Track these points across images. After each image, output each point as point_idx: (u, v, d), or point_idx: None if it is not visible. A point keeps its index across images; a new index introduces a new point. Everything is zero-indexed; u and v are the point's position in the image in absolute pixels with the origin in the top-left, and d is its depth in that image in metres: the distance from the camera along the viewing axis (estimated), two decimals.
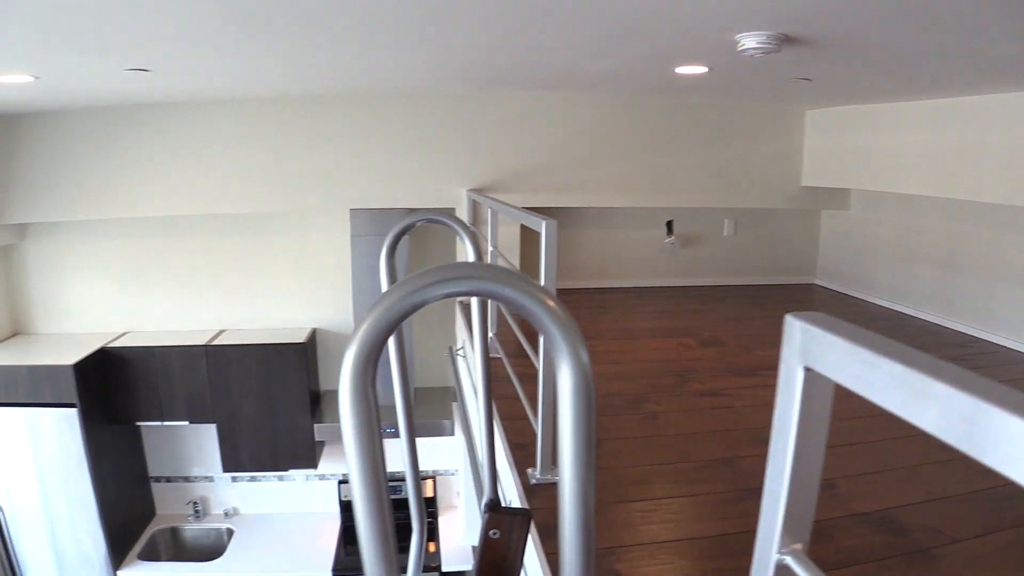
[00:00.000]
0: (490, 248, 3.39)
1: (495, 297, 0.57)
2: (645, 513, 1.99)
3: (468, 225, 1.47)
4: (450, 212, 2.68)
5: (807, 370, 0.54)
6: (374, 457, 0.59)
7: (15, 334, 4.98)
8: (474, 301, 1.53)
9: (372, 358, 0.56)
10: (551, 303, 0.56)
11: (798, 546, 0.61)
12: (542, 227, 1.96)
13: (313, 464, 4.70)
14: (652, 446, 2.46)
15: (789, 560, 0.60)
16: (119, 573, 4.60)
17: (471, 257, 1.49)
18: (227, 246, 4.82)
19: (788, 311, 0.55)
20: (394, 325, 0.56)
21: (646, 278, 5.06)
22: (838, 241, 5.17)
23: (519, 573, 1.09)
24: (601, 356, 3.47)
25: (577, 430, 0.57)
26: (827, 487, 1.97)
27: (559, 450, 0.59)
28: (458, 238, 1.50)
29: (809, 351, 0.53)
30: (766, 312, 4.49)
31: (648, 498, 2.07)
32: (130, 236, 4.85)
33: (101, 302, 4.95)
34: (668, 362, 3.47)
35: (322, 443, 4.90)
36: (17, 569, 4.66)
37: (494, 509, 1.51)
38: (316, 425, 4.47)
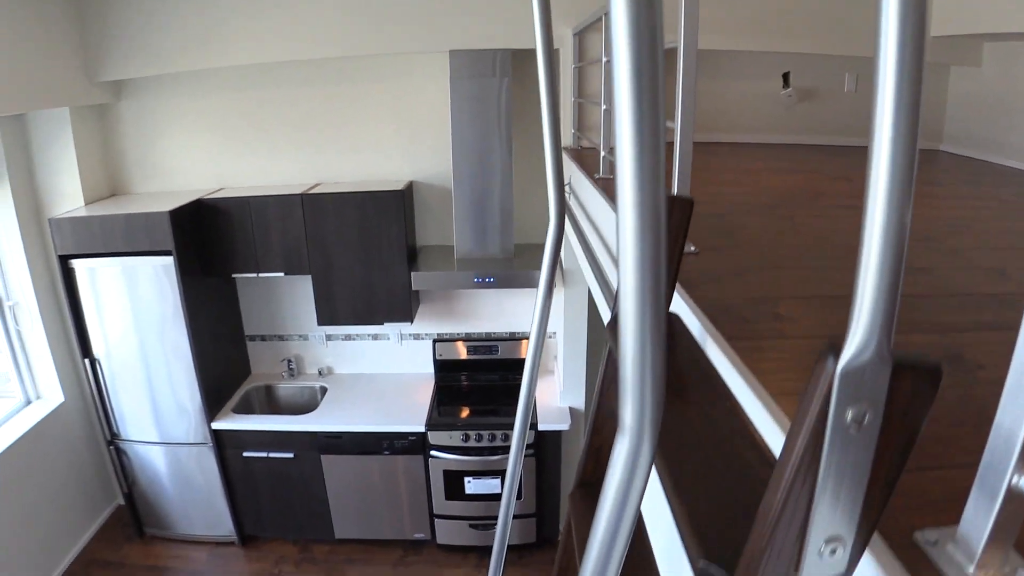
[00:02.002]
0: (603, 105, 3.18)
1: None
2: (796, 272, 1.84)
3: None
4: None
5: None
6: None
7: (112, 195, 5.01)
8: None
9: None
10: None
11: None
12: None
13: (409, 318, 4.67)
14: (795, 233, 2.31)
15: None
16: (214, 424, 4.64)
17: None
18: (322, 97, 4.72)
19: None
20: None
21: (757, 133, 4.85)
22: (968, 102, 4.89)
23: None
24: (721, 182, 3.29)
25: None
26: None
27: None
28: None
29: None
30: None
31: (796, 267, 1.90)
32: (225, 90, 4.79)
33: (196, 160, 4.95)
34: (797, 187, 3.30)
35: (418, 295, 4.86)
36: (113, 419, 4.75)
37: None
38: (413, 274, 4.39)
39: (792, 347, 1.28)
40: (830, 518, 0.57)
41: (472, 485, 4.60)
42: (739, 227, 2.31)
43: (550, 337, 4.92)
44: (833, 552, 0.58)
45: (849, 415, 0.53)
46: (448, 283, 4.44)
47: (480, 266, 4.38)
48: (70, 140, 4.68)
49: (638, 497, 0.59)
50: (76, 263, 4.49)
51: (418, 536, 4.89)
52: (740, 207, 2.70)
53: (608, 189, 2.61)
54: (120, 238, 4.39)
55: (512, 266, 4.38)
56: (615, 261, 1.28)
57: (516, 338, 5.00)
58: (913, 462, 0.56)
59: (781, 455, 0.58)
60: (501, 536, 1.88)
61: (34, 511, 4.67)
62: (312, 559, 4.92)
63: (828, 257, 1.96)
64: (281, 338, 5.24)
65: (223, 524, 5.01)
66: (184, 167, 4.93)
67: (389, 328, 5.08)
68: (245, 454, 4.75)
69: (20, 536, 4.54)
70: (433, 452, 4.55)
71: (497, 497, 4.64)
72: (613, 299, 1.50)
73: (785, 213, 2.64)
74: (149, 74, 4.53)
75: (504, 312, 5.00)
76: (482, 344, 4.98)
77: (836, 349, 0.53)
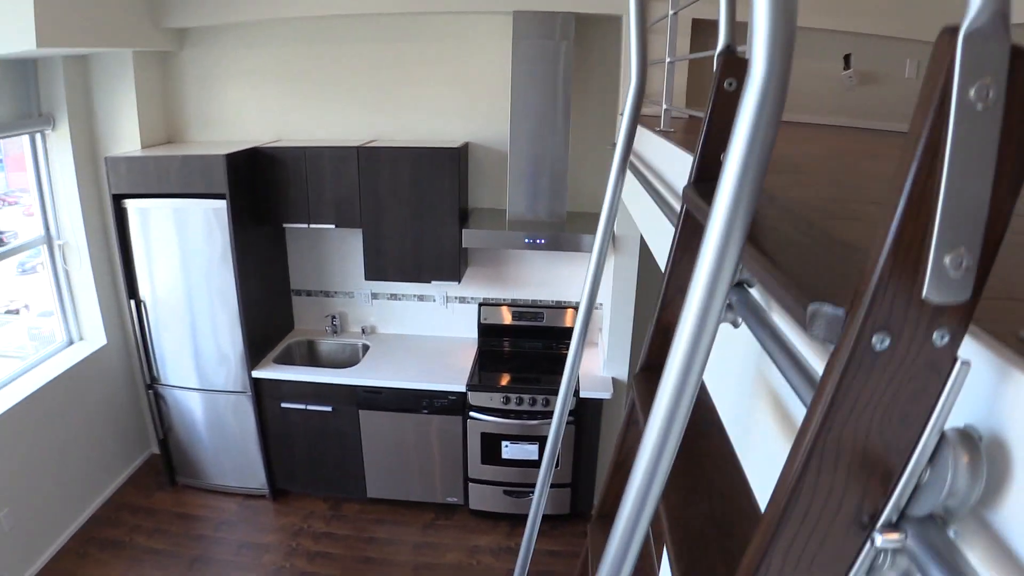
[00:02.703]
0: (667, 59, 3.17)
1: None
2: None
3: None
4: None
5: None
6: None
7: (168, 141, 5.10)
8: None
9: None
10: None
11: None
12: None
13: (456, 277, 4.68)
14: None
15: None
16: (255, 372, 4.67)
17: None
18: (382, 55, 4.76)
19: None
20: None
21: (814, 114, 4.85)
22: None
23: None
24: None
25: None
26: None
27: None
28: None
29: None
30: None
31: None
32: (285, 44, 4.86)
33: (253, 111, 5.02)
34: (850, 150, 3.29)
35: (466, 257, 4.88)
36: (154, 363, 4.79)
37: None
38: (464, 231, 4.41)
39: None
40: (956, 220, 0.54)
41: (509, 450, 4.59)
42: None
43: (596, 308, 4.91)
44: (958, 266, 0.54)
45: (973, 91, 0.51)
46: (499, 242, 4.44)
47: (532, 228, 4.39)
48: (132, 85, 4.75)
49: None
50: (129, 203, 4.55)
51: (451, 500, 4.87)
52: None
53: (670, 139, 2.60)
54: (175, 179, 4.45)
55: (564, 230, 4.38)
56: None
57: (562, 306, 4.99)
58: None
59: (908, 138, 0.55)
60: (538, 501, 1.85)
61: (68, 451, 4.73)
62: (342, 516, 4.93)
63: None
64: (326, 294, 5.28)
65: (255, 476, 5.02)
66: (241, 118, 4.99)
67: (435, 290, 5.10)
68: (283, 405, 4.77)
69: (53, 474, 4.60)
70: (472, 413, 4.55)
71: (533, 464, 4.63)
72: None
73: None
74: (213, 23, 4.61)
75: (551, 280, 5.00)
76: (528, 310, 4.98)
77: (955, 26, 0.51)
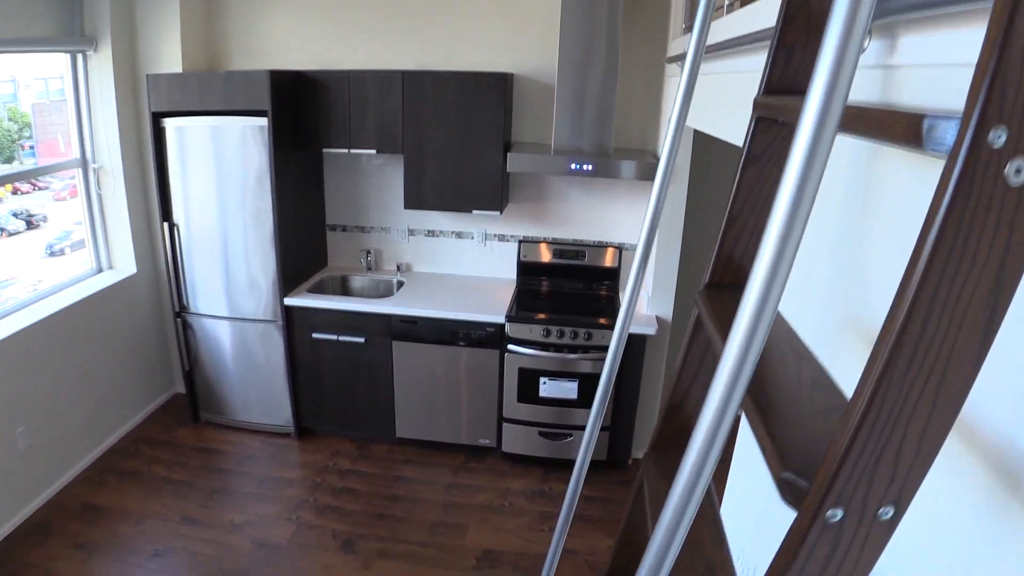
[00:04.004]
0: None
1: None
2: None
3: None
4: None
5: None
6: None
7: (210, 69, 5.07)
8: None
9: None
10: None
11: None
12: None
13: (498, 206, 4.59)
14: None
15: None
16: (287, 300, 4.59)
17: None
18: None
19: None
20: None
21: None
22: None
23: None
24: None
25: None
26: None
27: None
28: None
29: None
30: None
31: None
32: None
33: (295, 42, 5.01)
34: None
35: (508, 192, 4.80)
36: (184, 284, 4.74)
37: None
38: (509, 155, 4.33)
39: None
40: None
41: (547, 387, 4.46)
42: None
43: (628, 250, 4.81)
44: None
45: None
46: (543, 166, 4.35)
47: (578, 155, 4.31)
48: (176, 10, 4.78)
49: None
50: (167, 122, 4.54)
51: (483, 442, 4.74)
52: None
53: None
54: (217, 96, 4.43)
55: (610, 158, 4.29)
56: None
57: (603, 246, 4.88)
58: None
59: None
60: (588, 442, 1.73)
61: (90, 379, 4.68)
62: (369, 456, 4.81)
63: None
64: (362, 229, 5.21)
65: (281, 413, 4.93)
66: (283, 49, 4.98)
67: (474, 226, 5.02)
68: (314, 335, 4.68)
69: (72, 401, 4.55)
70: (510, 346, 4.43)
71: (571, 403, 4.50)
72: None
73: None
74: None
75: (593, 220, 4.91)
76: (568, 248, 4.87)
77: None
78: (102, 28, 4.69)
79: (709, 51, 2.63)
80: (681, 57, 3.61)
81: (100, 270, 5.03)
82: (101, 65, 4.75)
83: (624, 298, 1.61)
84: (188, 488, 4.48)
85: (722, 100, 2.63)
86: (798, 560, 0.73)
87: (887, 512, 0.71)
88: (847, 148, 1.25)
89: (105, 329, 4.80)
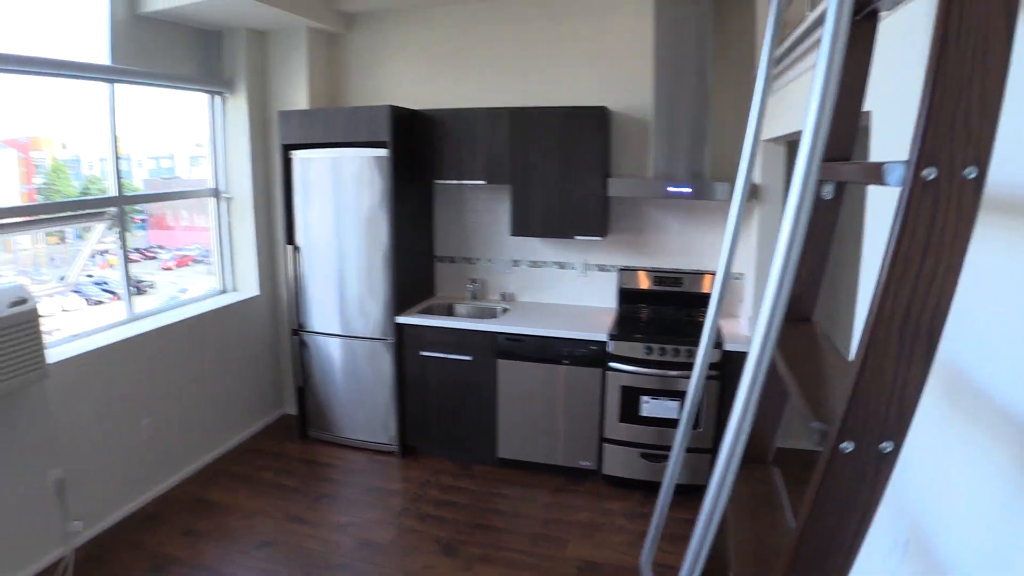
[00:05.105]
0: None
1: None
2: None
3: None
4: None
5: None
6: None
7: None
8: None
9: None
10: None
11: None
12: None
13: (601, 232, 4.86)
14: None
15: None
16: (398, 318, 4.91)
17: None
18: (526, 34, 5.22)
19: None
20: None
21: None
22: None
23: None
24: None
25: None
26: None
27: None
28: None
29: None
30: None
31: None
32: (438, 27, 5.42)
33: (409, 86, 5.54)
34: None
35: (608, 224, 5.06)
36: (301, 303, 5.12)
37: None
38: (609, 180, 4.63)
39: None
40: None
41: (648, 406, 4.58)
42: None
43: (736, 279, 4.95)
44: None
45: None
46: (642, 190, 4.62)
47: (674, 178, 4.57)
48: (304, 59, 5.36)
49: None
50: (294, 154, 4.98)
51: (583, 464, 4.85)
52: None
53: None
54: (341, 128, 4.92)
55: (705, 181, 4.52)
56: None
57: (700, 273, 5.05)
58: None
59: None
60: (675, 461, 1.89)
61: (208, 388, 5.11)
62: (470, 475, 4.99)
63: None
64: (468, 260, 5.54)
65: (385, 431, 5.20)
66: (398, 92, 5.50)
67: (576, 256, 5.29)
68: (422, 353, 4.96)
69: (193, 406, 4.97)
70: (612, 364, 4.60)
71: (673, 424, 4.58)
72: None
73: None
74: (378, 7, 5.33)
75: (690, 248, 5.11)
76: (667, 276, 5.06)
77: None
78: (238, 73, 5.28)
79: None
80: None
81: (224, 291, 5.45)
82: (236, 105, 5.32)
83: (707, 318, 1.71)
84: (294, 492, 4.74)
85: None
86: (825, 485, 1.02)
87: (888, 447, 0.98)
88: None
89: (226, 344, 5.23)
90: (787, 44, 2.90)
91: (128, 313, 4.61)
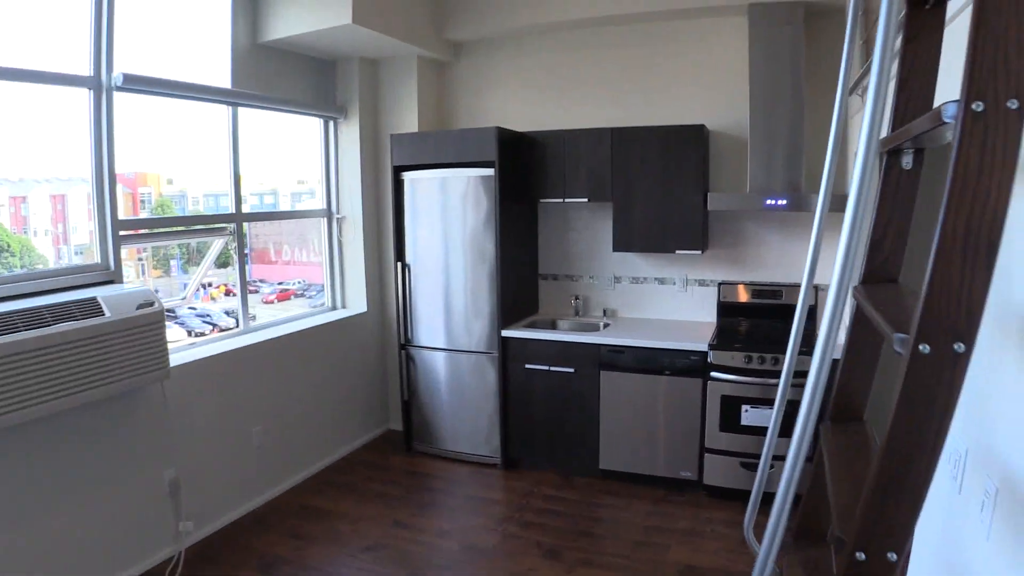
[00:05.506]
0: None
1: None
2: None
3: None
4: None
5: None
6: None
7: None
8: None
9: None
10: None
11: None
12: None
13: (701, 246, 4.98)
14: None
15: None
16: (504, 332, 5.13)
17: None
18: (626, 57, 5.45)
19: None
20: None
21: None
22: None
23: None
24: None
25: None
26: None
27: None
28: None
29: None
30: None
31: None
32: (540, 53, 5.73)
33: (513, 109, 5.83)
34: None
35: (707, 240, 5.19)
36: (409, 318, 5.42)
37: None
38: (709, 194, 4.79)
39: None
40: None
41: (749, 415, 4.64)
42: None
43: (823, 290, 4.96)
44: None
45: None
46: (741, 203, 4.76)
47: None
48: (414, 85, 5.70)
49: None
50: (405, 175, 5.28)
51: (684, 475, 4.91)
52: None
53: None
54: (449, 150, 5.22)
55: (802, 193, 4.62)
56: None
57: (799, 286, 5.09)
58: None
59: None
60: (762, 469, 2.05)
61: (317, 402, 5.38)
62: (572, 486, 5.10)
63: None
64: (571, 278, 5.75)
65: (487, 444, 5.41)
66: (502, 115, 5.80)
67: (676, 272, 5.43)
68: (527, 366, 5.16)
69: (301, 418, 5.23)
70: (713, 373, 4.68)
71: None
72: None
73: None
74: (483, 35, 5.70)
75: (788, 261, 5.20)
76: (766, 289, 5.13)
77: None
78: (351, 100, 5.64)
79: None
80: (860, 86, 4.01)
81: (334, 308, 5.73)
82: (348, 130, 5.69)
83: (822, 326, 1.65)
84: (399, 501, 4.95)
85: None
86: (907, 387, 1.16)
87: (960, 347, 1.12)
88: None
89: (334, 359, 5.52)
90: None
91: (243, 324, 4.91)
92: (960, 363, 1.13)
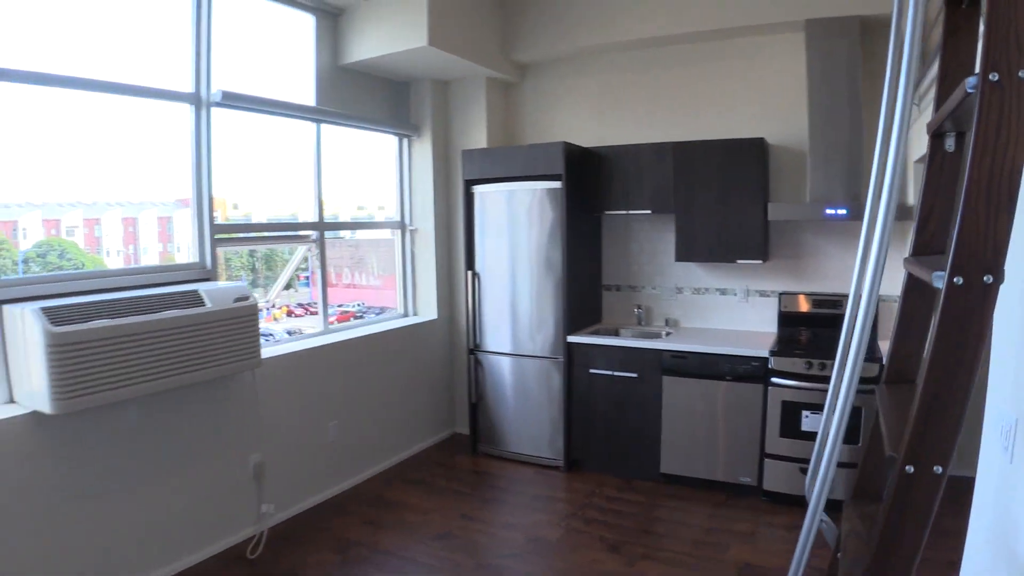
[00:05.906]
0: None
1: None
2: None
3: None
4: None
5: None
6: None
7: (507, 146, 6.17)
8: None
9: None
10: None
11: None
12: None
13: (762, 256, 5.14)
14: None
15: None
16: (569, 338, 5.37)
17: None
18: (686, 75, 5.69)
19: None
20: None
21: None
22: None
23: None
24: None
25: None
26: None
27: None
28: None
29: None
30: None
31: None
32: (601, 74, 6.02)
33: (576, 127, 6.13)
34: None
35: (768, 251, 5.36)
36: (478, 324, 5.69)
37: None
38: (769, 204, 4.98)
39: None
40: None
41: (809, 420, 4.77)
42: None
43: (883, 301, 5.03)
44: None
45: None
46: (801, 213, 4.94)
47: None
48: (483, 104, 6.01)
49: None
50: (475, 188, 5.56)
51: (744, 480, 5.04)
52: None
53: None
54: (517, 164, 5.51)
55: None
56: None
57: (860, 296, 5.19)
58: None
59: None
60: (814, 474, 2.10)
61: (388, 402, 5.70)
62: (633, 489, 5.27)
63: None
64: (633, 288, 5.97)
65: (550, 447, 5.64)
66: (565, 132, 6.11)
67: (737, 282, 5.60)
68: (591, 371, 5.38)
69: (373, 417, 5.56)
70: (774, 379, 4.82)
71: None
72: None
73: None
74: (548, 56, 6.00)
75: (848, 272, 5.21)
76: (826, 299, 5.26)
77: None
78: (424, 118, 5.99)
79: None
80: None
81: (406, 315, 6.02)
82: (421, 147, 6.02)
83: (855, 332, 1.92)
84: (467, 496, 5.22)
85: None
86: (944, 316, 1.35)
87: (989, 279, 1.30)
88: None
89: (405, 362, 5.83)
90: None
91: (323, 325, 5.23)
92: (990, 293, 1.31)
